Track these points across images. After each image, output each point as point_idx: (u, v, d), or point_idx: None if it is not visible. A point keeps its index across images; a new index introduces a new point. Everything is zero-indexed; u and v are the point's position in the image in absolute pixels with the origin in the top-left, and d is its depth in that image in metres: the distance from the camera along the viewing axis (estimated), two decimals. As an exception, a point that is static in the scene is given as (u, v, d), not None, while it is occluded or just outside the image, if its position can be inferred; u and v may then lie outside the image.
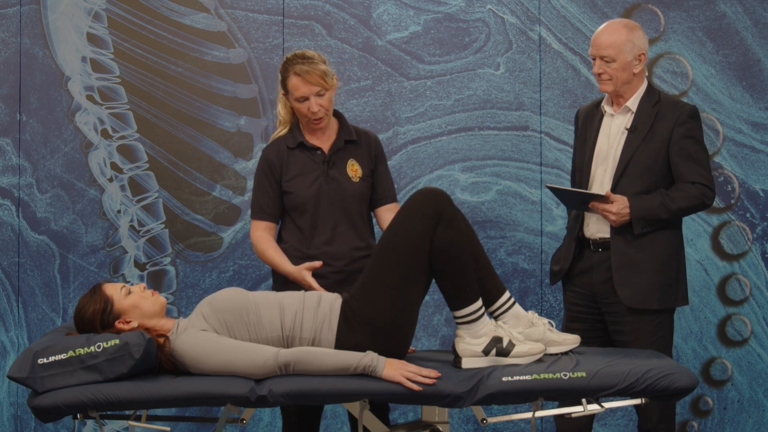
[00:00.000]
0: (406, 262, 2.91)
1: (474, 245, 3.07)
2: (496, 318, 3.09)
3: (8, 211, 4.50)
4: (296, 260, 3.37)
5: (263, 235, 3.43)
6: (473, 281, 2.96)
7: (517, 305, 3.11)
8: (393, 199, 3.53)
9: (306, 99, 3.34)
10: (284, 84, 3.38)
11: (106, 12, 4.53)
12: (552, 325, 3.10)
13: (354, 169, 3.44)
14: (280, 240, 3.48)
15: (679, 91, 4.50)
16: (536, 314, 3.11)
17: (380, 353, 2.86)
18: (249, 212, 4.51)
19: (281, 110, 3.46)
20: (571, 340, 3.10)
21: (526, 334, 3.04)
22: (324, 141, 3.44)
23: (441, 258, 2.91)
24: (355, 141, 3.46)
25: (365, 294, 2.94)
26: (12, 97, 4.51)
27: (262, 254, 3.41)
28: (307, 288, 3.22)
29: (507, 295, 3.10)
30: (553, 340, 3.06)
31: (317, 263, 3.26)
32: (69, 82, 4.52)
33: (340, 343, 2.93)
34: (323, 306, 2.97)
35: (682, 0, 4.51)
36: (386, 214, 3.48)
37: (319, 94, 3.34)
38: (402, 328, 2.95)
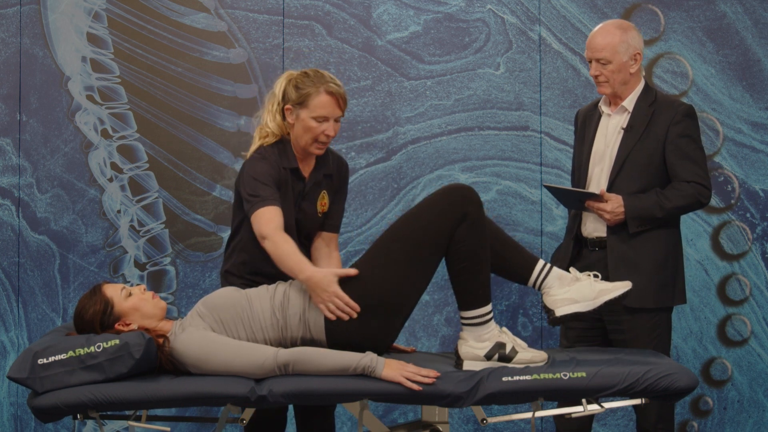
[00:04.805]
0: (415, 250, 2.92)
1: (498, 241, 3.04)
2: (539, 289, 3.06)
3: (8, 211, 4.50)
4: (245, 276, 3.23)
5: (281, 227, 3.04)
6: (486, 285, 2.96)
7: (555, 268, 3.05)
8: (334, 229, 3.38)
9: (326, 120, 3.15)
10: (305, 98, 3.15)
11: (106, 12, 4.53)
12: (598, 277, 3.06)
13: (323, 203, 3.33)
14: (235, 249, 3.28)
15: (679, 91, 4.50)
16: (577, 270, 3.07)
17: (370, 328, 2.88)
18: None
19: (270, 122, 3.22)
20: (622, 285, 3.03)
21: (575, 289, 3.01)
22: (307, 170, 3.28)
23: (457, 256, 2.92)
24: (331, 175, 3.33)
25: (364, 263, 2.96)
26: (12, 97, 4.51)
27: (283, 244, 3.00)
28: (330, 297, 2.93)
29: (540, 263, 3.05)
30: (604, 290, 3.02)
31: (353, 271, 2.95)
32: (69, 82, 4.52)
33: None
34: None
35: (682, 0, 4.51)
36: (321, 240, 3.36)
37: (336, 120, 3.18)
38: (389, 309, 2.95)
